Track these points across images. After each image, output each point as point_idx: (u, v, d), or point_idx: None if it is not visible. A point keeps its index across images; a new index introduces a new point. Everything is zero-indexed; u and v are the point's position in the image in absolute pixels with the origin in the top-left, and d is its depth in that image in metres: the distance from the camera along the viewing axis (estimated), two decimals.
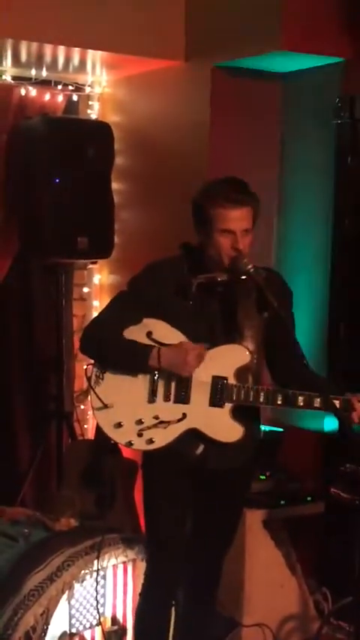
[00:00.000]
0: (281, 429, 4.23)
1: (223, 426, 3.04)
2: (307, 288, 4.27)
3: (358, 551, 3.35)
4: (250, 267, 2.99)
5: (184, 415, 3.04)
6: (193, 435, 3.05)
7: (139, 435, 3.06)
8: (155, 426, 3.05)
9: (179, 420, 3.04)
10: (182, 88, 4.51)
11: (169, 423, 3.05)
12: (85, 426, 4.91)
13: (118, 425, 3.08)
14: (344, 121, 4.20)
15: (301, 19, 4.03)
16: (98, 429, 3.28)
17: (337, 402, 2.96)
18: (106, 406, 3.09)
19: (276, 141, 4.52)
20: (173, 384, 3.05)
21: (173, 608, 3.29)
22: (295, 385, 3.01)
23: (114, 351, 3.08)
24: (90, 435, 4.79)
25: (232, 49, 4.19)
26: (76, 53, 4.35)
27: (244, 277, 3.00)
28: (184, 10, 4.42)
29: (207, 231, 3.00)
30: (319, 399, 2.96)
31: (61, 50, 4.28)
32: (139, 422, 3.06)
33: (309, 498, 4.12)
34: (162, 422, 3.05)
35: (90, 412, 4.65)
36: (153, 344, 3.03)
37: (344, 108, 4.18)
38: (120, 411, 3.08)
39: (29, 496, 4.58)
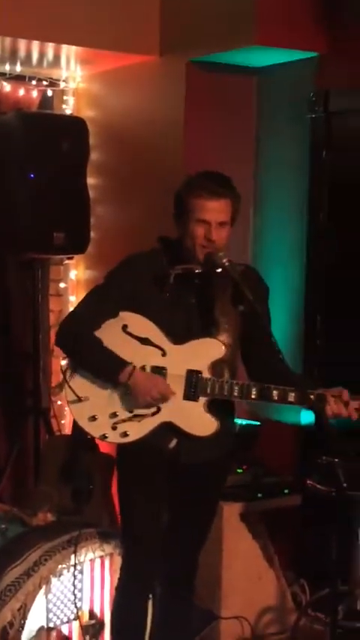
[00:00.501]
0: (258, 423, 4.25)
1: (197, 420, 3.04)
2: (284, 282, 4.29)
3: (334, 543, 3.37)
4: (225, 260, 3.00)
5: (159, 409, 3.05)
6: (168, 429, 3.05)
7: (114, 428, 3.06)
8: (130, 419, 3.05)
9: (154, 414, 3.05)
10: (157, 83, 4.51)
11: (143, 416, 3.05)
12: (63, 422, 4.91)
13: (93, 418, 3.08)
14: (318, 115, 4.22)
15: (275, 14, 4.04)
16: (75, 424, 3.28)
17: (311, 397, 2.97)
18: (80, 399, 3.09)
19: (251, 135, 4.53)
20: None
21: (151, 602, 3.29)
22: (269, 380, 3.01)
23: (89, 355, 3.09)
24: (67, 430, 4.79)
25: (206, 44, 4.20)
26: (50, 48, 4.34)
27: (219, 270, 3.01)
28: (159, 5, 4.42)
29: (184, 222, 3.02)
30: (293, 394, 2.97)
31: (35, 45, 4.27)
32: (114, 415, 3.06)
33: (286, 491, 4.14)
34: (136, 415, 3.05)
35: (67, 408, 4.65)
36: (131, 353, 3.02)
37: (318, 102, 4.20)
38: (94, 404, 3.08)
39: (6, 492, 4.57)
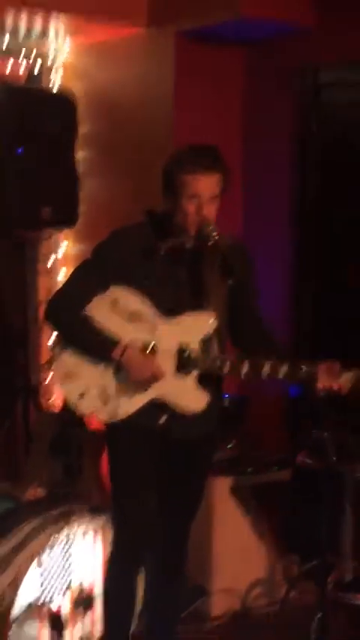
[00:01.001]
0: (246, 396, 4.25)
1: (188, 395, 3.03)
2: (272, 256, 4.28)
3: (324, 517, 3.39)
4: (215, 234, 2.98)
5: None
6: (158, 405, 3.04)
7: (104, 404, 3.05)
8: (119, 395, 3.04)
9: (144, 390, 3.04)
10: (145, 55, 4.48)
11: (133, 392, 3.04)
12: (50, 400, 4.89)
13: (82, 395, 3.07)
14: (307, 88, 4.20)
15: None
16: (65, 400, 3.26)
17: (302, 369, 2.96)
18: (69, 376, 3.08)
19: (240, 108, 4.51)
20: None
21: (143, 577, 3.30)
22: (254, 353, 3.00)
23: (80, 332, 3.07)
24: (57, 407, 4.78)
25: (194, 16, 4.17)
26: (38, 20, 4.29)
27: (209, 244, 2.99)
28: None
29: (175, 196, 2.99)
30: (284, 368, 2.95)
31: (23, 18, 4.22)
32: (103, 392, 3.05)
33: (276, 466, 4.15)
34: (126, 392, 3.04)
35: (56, 385, 4.64)
36: (119, 333, 3.00)
37: (307, 75, 4.18)
38: (84, 380, 3.07)
39: None
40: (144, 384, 3.01)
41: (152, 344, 3.01)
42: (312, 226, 4.27)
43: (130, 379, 3.01)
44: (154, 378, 3.00)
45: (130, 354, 3.00)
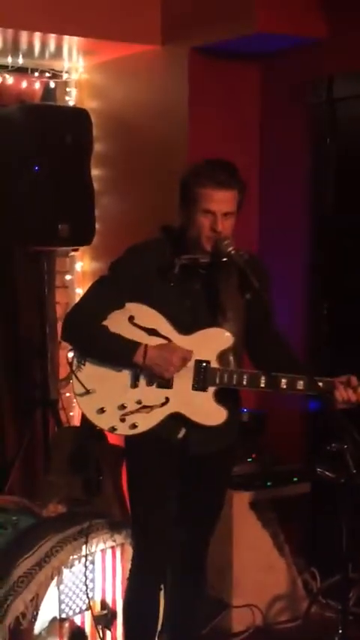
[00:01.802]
0: (265, 411, 4.24)
1: (206, 410, 3.04)
2: (289, 271, 4.28)
3: (344, 530, 3.37)
4: (231, 249, 2.99)
5: (167, 399, 3.04)
6: (176, 419, 3.05)
7: (122, 420, 3.06)
8: (138, 410, 3.05)
9: (162, 405, 3.04)
10: (160, 72, 4.50)
11: (152, 407, 3.05)
12: (71, 414, 4.91)
13: (101, 410, 3.08)
14: (322, 101, 4.20)
15: (276, 0, 4.02)
16: (84, 415, 3.27)
17: (320, 384, 2.97)
18: (88, 391, 3.09)
19: (255, 123, 4.51)
20: None
21: (162, 591, 3.30)
22: (273, 367, 3.01)
23: (98, 344, 3.07)
24: (76, 422, 4.80)
25: (208, 32, 4.19)
26: (51, 39, 4.33)
27: (225, 259, 3.00)
28: None
29: (189, 211, 3.00)
30: (302, 381, 2.97)
31: (37, 37, 4.27)
32: (122, 407, 3.06)
33: (295, 479, 4.14)
34: (145, 406, 3.05)
35: (75, 399, 4.65)
36: (138, 341, 3.01)
37: (322, 88, 4.19)
38: (102, 396, 3.08)
39: (16, 484, 4.58)
40: (176, 370, 2.97)
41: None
42: (328, 239, 4.27)
43: (159, 375, 2.99)
44: (185, 360, 2.99)
45: (152, 352, 2.99)
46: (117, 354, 3.04)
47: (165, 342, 3.02)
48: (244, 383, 3.02)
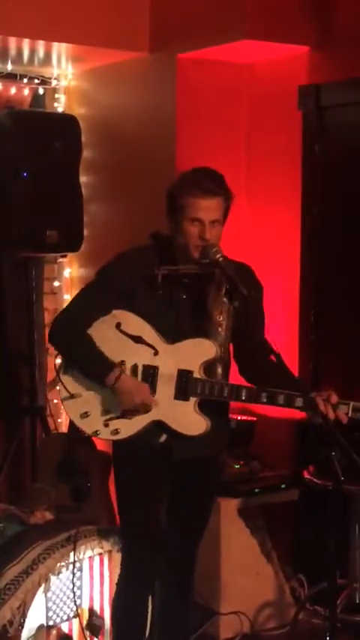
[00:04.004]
0: (254, 418, 4.25)
1: (187, 419, 3.04)
2: (277, 277, 4.29)
3: (332, 537, 3.38)
4: (219, 256, 2.99)
5: (147, 410, 3.04)
6: (158, 426, 3.05)
7: (105, 425, 3.07)
8: (121, 416, 3.05)
9: (145, 412, 3.04)
10: (148, 79, 4.51)
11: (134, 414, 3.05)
12: (59, 420, 4.90)
13: (85, 414, 3.09)
14: (310, 109, 4.22)
15: (264, 8, 4.04)
16: (71, 422, 3.28)
17: (300, 400, 2.95)
18: (73, 396, 3.10)
19: (243, 131, 4.53)
20: (140, 377, 3.05)
21: (150, 598, 3.30)
22: (258, 378, 3.02)
23: (78, 355, 3.10)
24: (64, 428, 4.79)
25: (196, 40, 4.20)
26: (41, 46, 4.34)
27: (213, 267, 3.00)
28: (149, 2, 4.41)
29: (177, 219, 3.01)
30: (282, 396, 2.95)
31: (26, 43, 4.27)
32: (106, 412, 3.07)
33: (283, 486, 4.15)
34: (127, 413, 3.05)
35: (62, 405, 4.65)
36: (117, 364, 3.03)
37: (309, 96, 4.20)
38: (87, 400, 3.09)
39: (3, 490, 4.57)
40: (133, 413, 3.02)
41: (154, 368, 3.01)
42: (317, 246, 4.28)
43: (120, 406, 3.03)
44: (144, 407, 3.02)
45: (122, 381, 3.02)
46: (93, 369, 3.07)
47: (140, 382, 3.02)
48: (225, 395, 3.02)
